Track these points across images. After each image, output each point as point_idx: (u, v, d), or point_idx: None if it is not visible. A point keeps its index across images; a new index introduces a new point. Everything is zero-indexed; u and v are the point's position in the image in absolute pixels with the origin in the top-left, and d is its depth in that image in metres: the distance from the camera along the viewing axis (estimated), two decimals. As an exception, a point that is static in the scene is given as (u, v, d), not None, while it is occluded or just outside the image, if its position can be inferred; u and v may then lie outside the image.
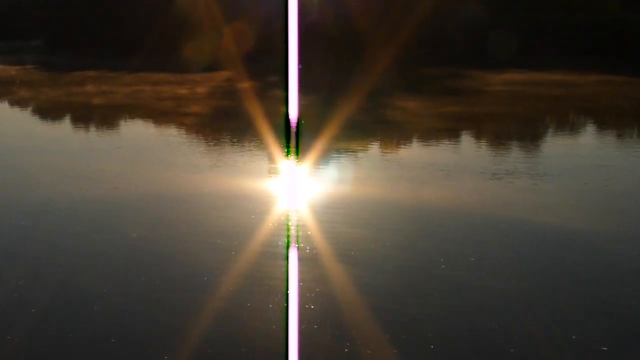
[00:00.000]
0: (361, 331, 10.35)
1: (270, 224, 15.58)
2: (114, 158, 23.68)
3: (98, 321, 10.84)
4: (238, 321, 10.78)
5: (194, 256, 13.67)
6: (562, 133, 28.70)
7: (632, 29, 62.77)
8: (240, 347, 9.99)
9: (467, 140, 26.70)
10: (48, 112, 37.48)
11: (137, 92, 43.69)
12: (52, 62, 72.78)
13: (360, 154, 23.89)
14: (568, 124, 31.66)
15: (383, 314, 10.92)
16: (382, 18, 64.53)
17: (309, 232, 14.89)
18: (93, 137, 28.82)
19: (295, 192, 18.71)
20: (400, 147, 25.44)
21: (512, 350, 9.77)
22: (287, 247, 14.13)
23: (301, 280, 12.25)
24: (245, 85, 45.68)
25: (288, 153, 23.07)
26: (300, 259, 13.29)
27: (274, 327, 10.52)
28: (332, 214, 16.21)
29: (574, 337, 10.12)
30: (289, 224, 15.85)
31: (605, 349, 9.79)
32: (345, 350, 9.82)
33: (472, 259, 13.22)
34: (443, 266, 12.89)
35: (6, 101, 42.79)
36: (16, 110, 39.14)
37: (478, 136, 27.75)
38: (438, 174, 20.43)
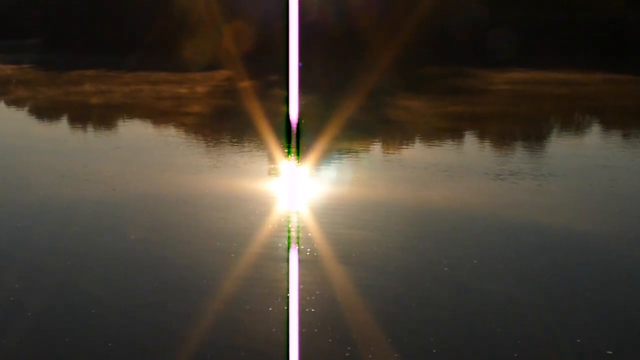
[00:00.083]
0: (362, 334, 10.33)
1: (271, 226, 15.56)
2: (112, 158, 23.67)
3: (95, 324, 10.82)
4: (238, 325, 10.76)
5: (193, 258, 13.65)
6: (567, 133, 28.68)
7: (636, 27, 62.78)
8: (239, 351, 9.97)
9: (470, 141, 26.67)
10: (45, 111, 37.49)
11: (136, 92, 43.69)
12: (49, 61, 72.81)
13: (361, 155, 23.87)
14: (572, 124, 31.64)
15: (384, 317, 10.90)
16: (383, 16, 64.51)
17: (310, 234, 14.87)
18: (91, 137, 28.83)
19: (295, 193, 18.69)
20: (402, 147, 25.42)
21: (515, 355, 9.74)
22: (288, 249, 14.11)
23: (301, 282, 12.23)
24: (245, 84, 45.67)
25: (289, 153, 23.08)
26: (301, 261, 13.28)
27: (274, 330, 10.51)
28: (332, 215, 16.19)
29: (578, 340, 10.10)
30: (290, 225, 15.84)
31: (610, 352, 9.76)
32: (347, 354, 9.80)
33: (475, 261, 13.20)
34: (446, 268, 12.87)
35: (3, 101, 42.80)
36: (13, 109, 39.15)
37: (481, 136, 27.73)
38: (440, 174, 20.41)
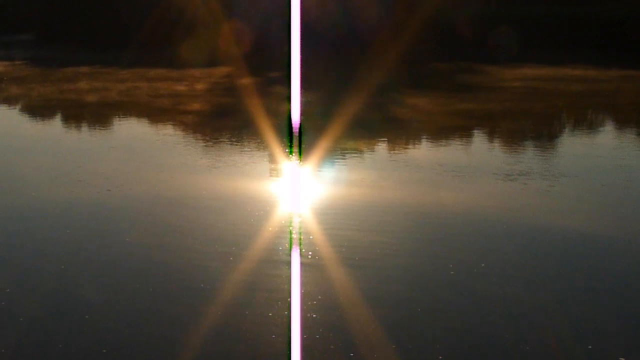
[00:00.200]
0: (365, 341, 10.38)
1: (271, 228, 15.62)
2: (107, 159, 23.75)
3: (89, 331, 10.88)
4: (237, 331, 10.82)
5: (191, 262, 13.71)
6: (580, 131, 28.69)
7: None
8: (239, 358, 10.03)
9: (479, 139, 26.70)
10: (38, 110, 37.60)
11: (132, 89, 43.80)
12: (42, 57, 72.95)
13: (366, 154, 23.92)
14: (586, 122, 31.64)
15: (389, 322, 10.95)
16: (387, 11, 64.53)
17: (312, 237, 14.93)
18: (85, 137, 28.92)
19: (297, 194, 18.74)
20: (409, 147, 25.46)
21: (524, 362, 9.79)
22: (289, 252, 14.17)
23: (303, 287, 12.29)
24: (245, 81, 45.75)
25: (290, 153, 23.14)
26: (302, 265, 13.34)
27: (273, 336, 10.56)
28: (335, 217, 16.25)
29: (590, 347, 10.14)
30: (291, 228, 15.89)
31: (623, 359, 9.80)
32: (349, 361, 9.86)
33: (483, 265, 13.24)
34: (452, 272, 12.92)
35: (-6, 99, 42.92)
36: (4, 108, 39.26)
37: (490, 135, 27.75)
38: (448, 175, 20.45)
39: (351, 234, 15.14)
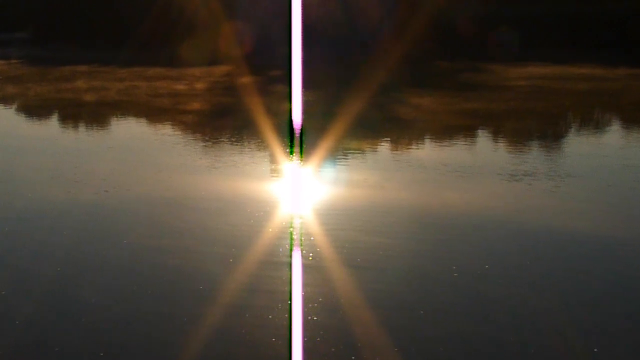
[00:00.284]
0: (367, 344, 10.39)
1: (271, 230, 15.64)
2: (105, 159, 23.78)
3: (86, 334, 10.90)
4: (236, 334, 10.83)
5: (189, 264, 13.73)
6: (586, 131, 28.69)
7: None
8: (237, 362, 10.06)
9: (483, 139, 26.72)
10: (35, 109, 37.66)
11: (131, 88, 43.87)
12: (39, 55, 73.06)
13: (368, 154, 23.94)
14: (592, 121, 31.65)
15: (391, 325, 10.96)
16: (390, 10, 64.56)
17: (313, 238, 14.95)
18: (83, 137, 28.96)
19: (298, 195, 18.76)
20: (412, 147, 25.48)
21: (528, 365, 9.81)
22: (290, 254, 14.19)
23: (303, 289, 12.30)
24: (245, 80, 45.80)
25: (291, 153, 23.16)
26: (303, 267, 13.35)
27: (273, 339, 10.58)
28: (337, 219, 16.27)
29: (595, 350, 10.15)
30: (292, 229, 15.91)
31: (629, 363, 9.82)
32: (350, 364, 9.88)
33: (487, 266, 13.26)
34: (455, 274, 12.93)
35: (-10, 98, 43.00)
36: (0, 107, 39.30)
37: (495, 134, 27.77)
38: (452, 175, 20.46)
39: (353, 235, 15.15)
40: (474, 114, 31.83)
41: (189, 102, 37.41)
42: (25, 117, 36.17)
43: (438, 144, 25.83)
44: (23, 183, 20.46)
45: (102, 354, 10.25)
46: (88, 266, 13.73)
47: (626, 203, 17.54)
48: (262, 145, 25.24)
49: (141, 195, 18.93)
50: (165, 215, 17.00)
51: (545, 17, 65.92)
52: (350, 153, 23.73)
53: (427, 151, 24.57)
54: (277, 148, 24.42)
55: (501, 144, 25.87)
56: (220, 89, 43.47)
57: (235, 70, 51.01)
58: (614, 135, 27.10)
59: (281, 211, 17.28)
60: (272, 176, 21.28)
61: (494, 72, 49.61)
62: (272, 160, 23.18)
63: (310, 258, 13.74)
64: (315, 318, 11.22)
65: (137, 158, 24.09)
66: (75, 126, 31.99)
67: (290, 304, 11.77)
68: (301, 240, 14.94)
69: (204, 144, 26.43)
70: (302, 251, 14.17)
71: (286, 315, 11.35)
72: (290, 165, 21.94)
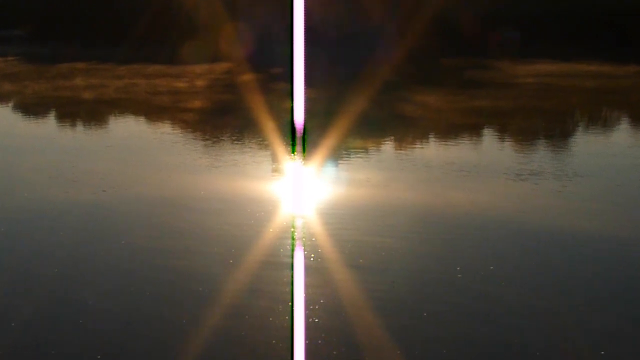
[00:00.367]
0: (370, 346, 10.41)
1: (272, 230, 15.67)
2: (103, 158, 23.83)
3: (84, 335, 10.93)
4: (236, 336, 10.86)
5: (189, 265, 13.76)
6: (594, 129, 28.68)
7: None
8: (237, 364, 10.09)
9: (489, 138, 26.74)
10: (33, 107, 37.73)
11: (130, 86, 43.93)
12: (36, 53, 73.17)
13: (372, 153, 23.96)
14: (600, 120, 31.63)
15: (393, 327, 10.98)
16: (394, 6, 64.57)
17: (315, 239, 14.97)
18: (81, 135, 29.02)
19: (300, 195, 18.77)
20: (417, 146, 25.50)
21: (533, 368, 9.83)
22: (291, 255, 14.21)
23: (305, 290, 12.32)
24: (246, 77, 45.82)
25: (293, 152, 23.17)
26: (305, 268, 13.37)
27: (274, 342, 10.61)
28: (339, 219, 16.28)
29: (602, 352, 10.16)
30: (294, 229, 15.93)
31: (636, 366, 9.84)
32: (352, 367, 9.91)
33: (492, 268, 13.27)
34: (460, 275, 12.95)
35: (-13, 96, 43.08)
36: (-2, 105, 39.39)
37: (501, 133, 27.78)
38: (456, 174, 20.48)
39: (355, 235, 15.17)
40: (480, 112, 31.84)
41: (189, 100, 37.46)
42: (23, 115, 36.24)
43: (443, 142, 25.84)
44: (20, 183, 20.51)
45: (99, 357, 10.28)
46: (86, 267, 13.75)
47: (634, 203, 17.54)
48: (263, 144, 25.27)
49: (140, 195, 18.97)
50: (164, 215, 17.03)
51: (554, 13, 65.87)
52: (353, 152, 23.75)
53: (432, 150, 24.59)
54: (279, 147, 24.45)
55: (507, 143, 25.88)
56: (221, 87, 43.52)
57: (236, 67, 51.04)
58: (623, 134, 27.09)
59: (282, 211, 17.30)
60: (274, 175, 21.32)
61: (500, 70, 49.60)
62: (274, 159, 23.21)
63: (312, 259, 13.76)
64: (316, 320, 11.25)
65: (136, 157, 24.14)
66: (73, 125, 32.04)
67: (292, 306, 11.79)
68: (303, 240, 14.96)
69: (204, 142, 26.47)
70: (303, 252, 14.19)
71: (287, 317, 11.37)
72: (291, 165, 21.95)
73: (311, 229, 15.71)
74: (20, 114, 36.62)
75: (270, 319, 11.34)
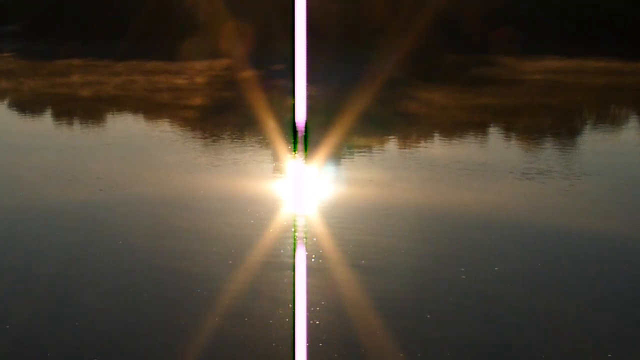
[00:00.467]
0: (372, 350, 10.47)
1: (273, 230, 15.72)
2: (101, 157, 23.88)
3: (80, 338, 10.99)
4: (236, 337, 10.91)
5: (188, 266, 13.81)
6: (602, 127, 28.70)
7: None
8: (237, 366, 10.14)
9: (495, 136, 26.77)
10: (29, 105, 37.79)
11: (128, 83, 43.99)
12: (32, 49, 73.22)
13: (375, 152, 24.00)
14: (609, 117, 31.65)
15: (396, 329, 11.03)
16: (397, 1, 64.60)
17: (316, 239, 15.02)
18: (78, 134, 29.07)
19: (302, 194, 18.83)
20: (421, 144, 25.53)
21: (539, 370, 9.87)
22: (293, 255, 14.26)
23: (306, 292, 12.37)
24: (247, 74, 45.87)
25: (295, 150, 23.22)
26: (306, 269, 13.42)
27: (274, 344, 10.66)
28: (342, 219, 16.33)
29: (609, 355, 10.20)
30: (295, 229, 15.97)
31: (643, 368, 9.88)
32: (354, 369, 9.96)
33: (496, 268, 13.32)
34: (463, 276, 13.01)
35: (-18, 93, 43.15)
36: (-7, 103, 39.46)
37: (507, 131, 27.81)
38: (461, 173, 20.52)
39: (358, 235, 15.23)
40: (486, 110, 31.86)
41: (188, 97, 37.53)
42: (19, 113, 36.31)
43: (448, 140, 25.88)
44: (15, 181, 20.57)
45: (99, 357, 10.34)
46: (84, 268, 13.81)
47: (643, 202, 17.56)
48: (264, 142, 25.32)
49: (138, 195, 19.02)
50: (163, 215, 17.09)
51: (561, 8, 65.86)
52: (356, 151, 23.80)
53: (436, 148, 24.63)
54: (280, 145, 24.50)
55: (514, 141, 25.92)
56: (221, 84, 43.57)
57: (236, 64, 51.10)
58: (632, 132, 27.11)
59: (283, 211, 17.35)
60: (275, 174, 21.37)
61: (507, 66, 49.61)
62: (275, 158, 23.26)
63: (314, 260, 13.82)
64: (317, 322, 11.30)
65: (135, 156, 24.19)
66: (70, 122, 32.10)
67: (293, 307, 11.84)
68: (304, 240, 15.01)
69: (204, 140, 26.52)
70: (305, 252, 14.25)
71: (288, 319, 11.42)
72: (293, 164, 22.00)
73: (313, 228, 15.76)
74: (16, 112, 36.69)
75: (271, 320, 11.39)
